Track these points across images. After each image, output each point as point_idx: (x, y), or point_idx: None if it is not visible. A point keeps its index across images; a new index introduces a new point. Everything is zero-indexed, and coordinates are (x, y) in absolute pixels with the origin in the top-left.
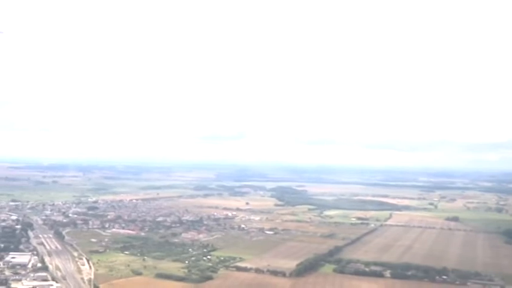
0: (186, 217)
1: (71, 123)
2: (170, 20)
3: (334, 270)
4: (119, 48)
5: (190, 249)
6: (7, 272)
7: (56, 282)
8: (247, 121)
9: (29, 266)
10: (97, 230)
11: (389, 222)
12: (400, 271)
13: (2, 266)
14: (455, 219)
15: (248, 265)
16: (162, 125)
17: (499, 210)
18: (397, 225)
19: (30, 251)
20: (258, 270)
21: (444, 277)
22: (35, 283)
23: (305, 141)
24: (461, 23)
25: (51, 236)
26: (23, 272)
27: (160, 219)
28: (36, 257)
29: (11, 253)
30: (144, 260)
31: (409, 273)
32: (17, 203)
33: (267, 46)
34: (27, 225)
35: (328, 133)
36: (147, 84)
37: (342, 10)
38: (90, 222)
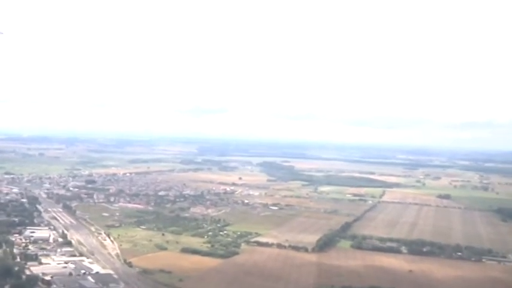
0: (187, 191)
1: (50, 95)
2: None
3: (352, 246)
4: (101, 18)
5: (204, 224)
6: (31, 247)
7: (86, 257)
8: (228, 95)
9: (51, 241)
10: (104, 204)
11: (384, 199)
12: (416, 247)
13: (24, 241)
14: (447, 196)
15: (268, 240)
16: (141, 97)
17: (485, 189)
18: (393, 202)
19: (45, 225)
20: (279, 246)
21: (459, 254)
22: (66, 258)
23: (283, 116)
24: (439, 8)
25: (60, 210)
26: (48, 247)
27: (162, 193)
28: (54, 232)
29: (27, 228)
30: (163, 235)
31: (425, 249)
32: (13, 176)
33: (251, 21)
34: (33, 199)
35: (306, 109)
36: (126, 55)
37: None
38: (95, 196)
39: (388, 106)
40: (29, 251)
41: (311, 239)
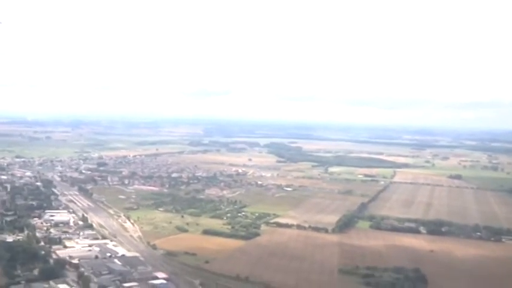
0: (199, 173)
1: (53, 78)
2: None
3: (371, 227)
4: (107, 2)
5: (221, 206)
6: (53, 231)
7: (109, 240)
8: (231, 78)
9: (72, 224)
10: (118, 187)
11: (396, 179)
12: (434, 227)
13: (45, 224)
14: (458, 177)
15: (287, 221)
16: (146, 80)
17: (495, 169)
18: (405, 183)
19: (63, 208)
20: (299, 227)
21: (478, 233)
22: (90, 241)
23: (286, 98)
24: None
25: (76, 193)
26: (70, 231)
27: (175, 175)
28: (74, 215)
29: (46, 211)
30: (182, 217)
31: (443, 229)
32: (24, 160)
33: (255, 4)
34: (47, 183)
35: (308, 90)
36: (131, 38)
37: None
38: (109, 179)
39: (391, 86)
40: (51, 234)
41: (330, 219)
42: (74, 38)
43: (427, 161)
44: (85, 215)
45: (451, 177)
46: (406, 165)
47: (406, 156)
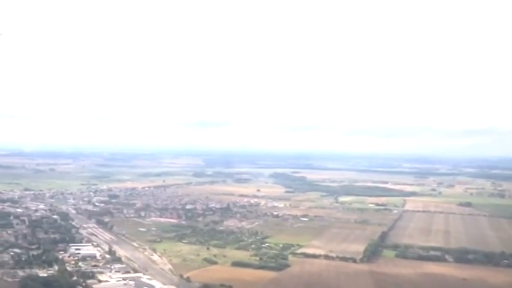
0: (212, 204)
1: (50, 110)
2: (156, 8)
3: (397, 256)
4: (100, 34)
5: (244, 237)
6: (82, 265)
7: (142, 273)
8: (230, 108)
9: (99, 257)
10: (136, 219)
11: (407, 208)
12: (460, 255)
13: (72, 258)
14: (468, 204)
15: (313, 251)
16: (143, 110)
17: (502, 196)
18: (418, 211)
19: (86, 242)
20: (327, 257)
21: (505, 261)
22: (122, 275)
23: (285, 128)
24: (439, 14)
25: (95, 225)
26: (100, 265)
27: (189, 206)
28: (99, 248)
29: (71, 245)
30: (208, 249)
31: (470, 257)
32: (33, 192)
33: (252, 35)
34: (64, 215)
35: (307, 120)
36: (127, 69)
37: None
38: (125, 211)
39: (388, 115)
40: (82, 268)
41: (354, 249)
42: (69, 70)
43: (433, 189)
44: (110, 248)
45: (461, 204)
46: (413, 194)
47: (411, 184)
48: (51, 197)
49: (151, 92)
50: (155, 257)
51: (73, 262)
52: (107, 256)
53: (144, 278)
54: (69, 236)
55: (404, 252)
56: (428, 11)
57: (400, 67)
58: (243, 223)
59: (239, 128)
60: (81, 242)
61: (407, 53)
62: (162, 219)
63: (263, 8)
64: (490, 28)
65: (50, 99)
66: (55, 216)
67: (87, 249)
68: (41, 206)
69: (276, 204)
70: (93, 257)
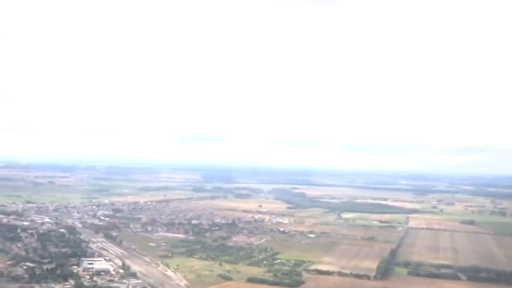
0: (217, 220)
1: (46, 123)
2: (154, 21)
3: (409, 273)
4: (99, 46)
5: (254, 253)
6: (98, 279)
7: None
8: (226, 123)
9: (113, 272)
10: (144, 234)
11: (411, 225)
12: (473, 273)
13: (86, 272)
14: (471, 222)
15: (326, 268)
16: (139, 124)
17: (503, 214)
18: (422, 228)
19: (97, 256)
20: (340, 274)
21: None
22: None
23: (280, 143)
24: (434, 32)
25: (104, 240)
26: (115, 279)
27: (195, 222)
28: (111, 263)
29: (83, 259)
30: (220, 264)
31: (482, 275)
32: (36, 205)
33: (252, 49)
34: (71, 229)
35: (303, 135)
36: (123, 83)
37: (322, 14)
38: (131, 226)
39: (383, 132)
40: (98, 283)
41: (366, 266)
42: (65, 82)
43: (434, 207)
44: (123, 263)
45: (464, 222)
46: (415, 211)
47: (411, 201)
48: (55, 210)
49: (148, 105)
50: (169, 273)
51: (88, 277)
52: (121, 271)
53: None
54: (80, 250)
55: (416, 270)
56: (423, 28)
57: (397, 84)
58: (252, 239)
59: (236, 143)
60: (92, 257)
61: (404, 70)
62: (169, 234)
63: (262, 22)
64: (486, 45)
65: (45, 111)
66: (62, 230)
67: (100, 264)
68: (46, 220)
69: (280, 220)
70: (107, 271)
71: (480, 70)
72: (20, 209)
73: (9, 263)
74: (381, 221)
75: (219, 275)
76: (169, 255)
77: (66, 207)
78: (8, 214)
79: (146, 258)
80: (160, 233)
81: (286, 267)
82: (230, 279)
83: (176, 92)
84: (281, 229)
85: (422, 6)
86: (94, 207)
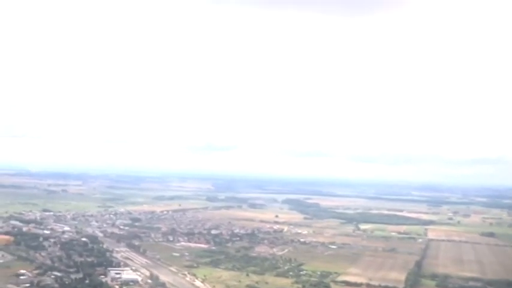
0: (237, 230)
1: (56, 131)
2: (162, 29)
3: (437, 285)
4: (113, 56)
5: (279, 264)
6: None
7: None
8: (237, 132)
9: (141, 282)
10: (166, 244)
11: (431, 236)
12: (503, 287)
13: (115, 282)
14: (491, 234)
15: (354, 280)
16: (150, 133)
17: None
18: (443, 240)
19: (123, 266)
20: (369, 286)
21: None
22: None
23: (291, 153)
24: (445, 44)
25: (127, 249)
26: None
27: (214, 232)
28: (138, 273)
29: (109, 269)
30: (247, 275)
31: None
32: (53, 214)
33: (261, 60)
34: (93, 238)
35: (314, 145)
36: (134, 92)
37: (330, 27)
38: (152, 235)
39: (393, 143)
40: None
41: (393, 277)
42: (74, 90)
43: (450, 218)
44: (152, 273)
45: (483, 234)
46: (432, 223)
47: (426, 213)
48: (73, 218)
49: (158, 114)
50: (197, 283)
51: (117, 287)
52: (149, 281)
53: None
54: (106, 260)
55: (444, 282)
56: (435, 42)
57: (409, 95)
58: (274, 250)
59: (246, 153)
60: (118, 266)
61: (416, 81)
62: (191, 244)
63: (271, 35)
64: (498, 57)
65: (56, 119)
66: (84, 239)
67: (127, 274)
68: (66, 228)
69: (299, 230)
70: (136, 281)
71: (493, 82)
72: (38, 217)
73: (36, 272)
74: (400, 233)
75: (248, 286)
76: (195, 265)
77: (83, 215)
78: (28, 222)
79: (172, 268)
80: (182, 243)
81: (314, 279)
82: None
83: (187, 102)
84: (301, 240)
85: (436, 15)
86: (111, 216)
